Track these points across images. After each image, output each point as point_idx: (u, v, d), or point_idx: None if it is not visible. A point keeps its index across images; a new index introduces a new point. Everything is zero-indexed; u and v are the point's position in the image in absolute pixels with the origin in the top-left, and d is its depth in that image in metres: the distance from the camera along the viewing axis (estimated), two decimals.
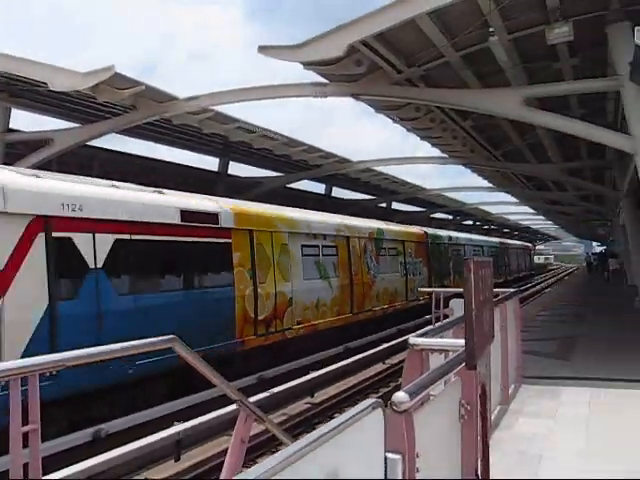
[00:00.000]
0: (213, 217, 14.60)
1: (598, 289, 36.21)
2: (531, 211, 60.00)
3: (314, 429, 12.25)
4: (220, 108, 19.00)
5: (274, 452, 10.69)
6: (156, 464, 9.79)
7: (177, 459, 9.99)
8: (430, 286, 26.49)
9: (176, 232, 13.26)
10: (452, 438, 3.99)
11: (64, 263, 10.57)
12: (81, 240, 10.93)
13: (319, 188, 38.38)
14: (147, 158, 26.13)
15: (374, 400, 2.60)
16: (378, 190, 39.24)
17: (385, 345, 18.93)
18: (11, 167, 11.63)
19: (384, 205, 44.93)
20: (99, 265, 11.19)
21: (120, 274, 11.81)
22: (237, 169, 30.35)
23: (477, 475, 4.25)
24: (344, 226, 21.90)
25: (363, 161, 29.69)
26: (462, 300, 3.97)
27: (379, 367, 17.75)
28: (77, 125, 20.02)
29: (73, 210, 10.77)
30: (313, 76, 15.22)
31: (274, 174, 31.20)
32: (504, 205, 54.06)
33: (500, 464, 5.68)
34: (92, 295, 10.94)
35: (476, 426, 4.22)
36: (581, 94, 17.42)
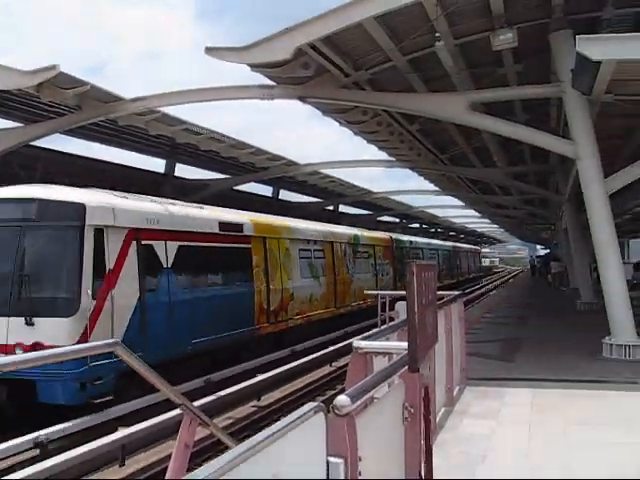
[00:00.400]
0: (239, 227, 18.13)
1: (541, 292, 36.81)
2: (477, 214, 60.74)
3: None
4: (167, 110, 18.80)
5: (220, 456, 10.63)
6: (101, 470, 9.66)
7: (122, 464, 9.86)
8: (395, 284, 32.03)
9: (215, 239, 16.69)
10: (396, 440, 4.00)
11: (148, 264, 13.70)
12: (158, 246, 14.27)
13: (266, 191, 38.32)
14: (93, 159, 25.70)
15: (316, 404, 2.59)
16: (325, 193, 39.33)
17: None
18: (107, 190, 14.71)
19: (331, 208, 45.09)
20: (169, 265, 14.48)
21: (181, 272, 15.11)
22: (184, 171, 30.13)
23: (420, 476, 4.26)
24: (330, 233, 25.98)
25: (310, 164, 29.70)
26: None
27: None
28: (20, 125, 19.58)
29: (153, 224, 14.13)
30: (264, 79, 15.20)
31: (221, 176, 31.01)
32: (450, 208, 54.69)
33: (444, 465, 5.71)
34: (165, 288, 14.26)
35: (420, 428, 4.23)
36: (525, 100, 17.70)
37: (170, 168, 28.77)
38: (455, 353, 8.68)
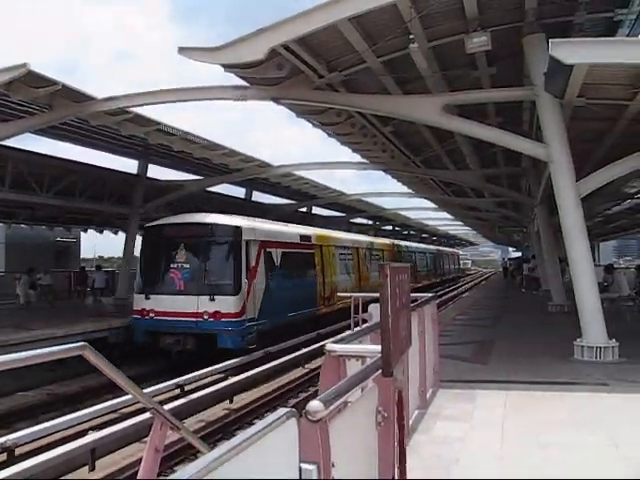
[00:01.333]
0: (309, 238, 27.36)
1: (513, 293, 37.05)
2: (449, 217, 61.03)
3: (233, 436, 12.18)
4: (140, 110, 18.63)
5: (192, 460, 10.55)
6: (71, 474, 9.54)
7: (92, 469, 9.74)
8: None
9: (298, 246, 25.45)
10: (370, 445, 3.96)
11: (269, 263, 21.87)
12: (273, 252, 22.48)
13: (240, 192, 38.23)
14: (64, 159, 25.46)
15: (288, 409, 2.54)
16: (299, 195, 39.30)
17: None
18: (245, 217, 22.84)
19: (305, 210, 45.09)
20: (278, 264, 22.72)
21: (284, 268, 23.21)
22: (157, 172, 29.97)
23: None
24: (355, 240, 36.27)
25: (284, 165, 29.62)
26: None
27: None
28: None
29: (270, 237, 22.52)
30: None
31: (194, 177, 30.87)
32: (423, 211, 54.87)
33: (418, 468, 5.69)
34: (277, 278, 22.23)
35: (393, 432, 4.20)
36: (498, 103, 17.79)
37: (143, 169, 28.59)
38: (428, 355, 8.67)
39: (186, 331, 18.82)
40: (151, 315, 19.65)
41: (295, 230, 26.43)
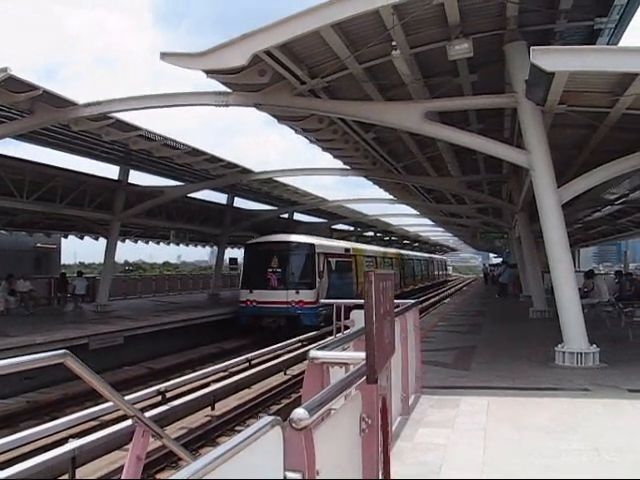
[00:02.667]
0: (349, 250, 37.64)
1: (495, 299, 37.14)
2: (431, 223, 61.21)
3: (215, 442, 12.11)
4: (122, 116, 18.55)
5: (174, 467, 10.49)
6: None
7: (72, 477, 9.65)
8: (401, 281, 50.39)
9: (343, 256, 35.61)
10: (353, 452, 3.94)
11: (328, 268, 31.69)
12: (331, 260, 32.48)
13: (221, 198, 38.18)
14: (44, 165, 25.26)
15: (272, 418, 2.52)
16: (280, 201, 39.33)
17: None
18: (313, 236, 34.66)
19: (286, 216, 45.11)
20: (333, 269, 32.71)
21: (337, 272, 33.20)
22: (138, 177, 29.86)
23: None
24: (375, 250, 48.38)
25: (265, 171, 29.61)
26: (362, 312, 3.93)
27: None
28: None
29: (328, 250, 32.91)
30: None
31: (176, 183, 30.78)
32: (405, 217, 54.97)
33: (401, 475, 5.69)
34: (333, 278, 31.86)
35: (377, 439, 4.19)
36: (480, 110, 17.90)
37: (124, 175, 28.47)
38: (410, 362, 8.67)
39: (279, 314, 28.76)
40: (254, 304, 29.56)
41: (341, 245, 38.71)
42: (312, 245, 31.04)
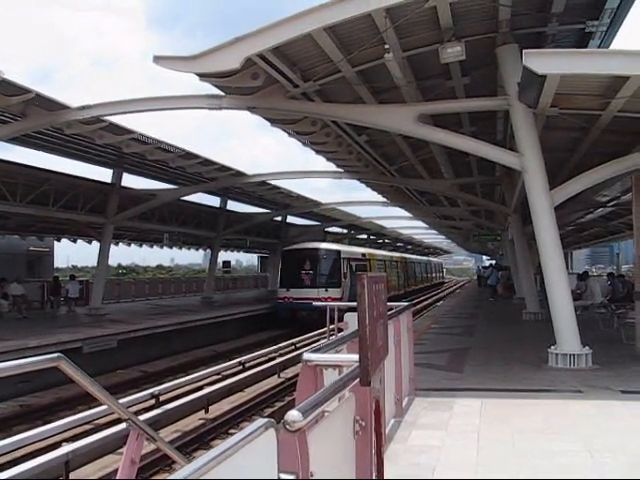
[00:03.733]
0: (365, 255, 45.67)
1: (489, 302, 37.14)
2: (424, 225, 61.26)
3: (209, 446, 12.11)
4: (115, 119, 18.52)
5: (168, 470, 10.49)
6: None
7: None
8: (405, 282, 58.44)
9: (360, 260, 42.64)
10: (347, 454, 3.95)
11: (350, 270, 37.82)
12: (352, 264, 39.20)
13: (214, 201, 38.21)
14: (37, 168, 25.24)
15: (266, 420, 2.52)
16: (274, 204, 39.34)
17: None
18: (339, 244, 44.25)
19: (279, 219, 45.15)
20: (354, 270, 38.04)
21: (356, 273, 34.95)
22: (131, 181, 29.86)
23: None
24: (384, 255, 55.35)
25: (259, 174, 29.61)
26: (356, 314, 3.94)
27: None
28: None
29: (350, 255, 40.20)
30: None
31: (169, 186, 30.76)
32: (398, 219, 55.06)
33: (395, 477, 5.70)
34: (352, 278, 35.72)
35: (371, 441, 4.20)
36: (472, 112, 17.94)
37: (117, 178, 28.43)
38: (404, 364, 8.68)
39: (312, 308, 28.37)
40: (290, 300, 35.50)
41: (359, 250, 46.90)
42: (338, 251, 38.55)
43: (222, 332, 30.58)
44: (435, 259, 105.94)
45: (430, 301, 54.20)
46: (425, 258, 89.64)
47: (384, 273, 45.13)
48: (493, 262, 65.68)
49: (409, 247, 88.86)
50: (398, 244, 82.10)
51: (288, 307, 35.30)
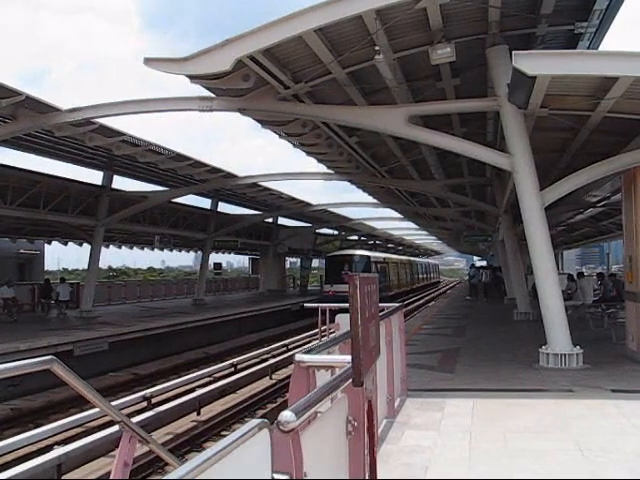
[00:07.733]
0: (384, 258, 58.47)
1: (479, 302, 37.25)
2: (414, 226, 61.33)
3: (202, 447, 12.10)
4: (106, 121, 18.48)
5: (161, 472, 10.47)
6: None
7: None
8: (411, 282, 71.03)
9: (382, 263, 55.00)
10: (340, 454, 3.96)
11: (376, 270, 48.51)
12: (376, 266, 51.10)
13: (205, 203, 38.18)
14: (27, 170, 25.16)
15: (260, 420, 2.53)
16: (265, 205, 39.33)
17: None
18: (368, 250, 59.37)
19: (270, 220, 45.13)
20: (378, 270, 49.04)
21: (379, 272, 46.40)
22: (122, 183, 29.81)
23: None
24: (397, 259, 67.14)
25: (250, 176, 29.58)
26: (347, 315, 3.95)
27: None
28: None
29: (376, 260, 53.01)
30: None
31: (160, 188, 30.70)
32: (389, 220, 55.12)
33: (388, 477, 5.71)
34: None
35: (363, 441, 4.21)
36: (463, 113, 17.98)
37: (107, 180, 28.39)
38: (396, 364, 8.70)
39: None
40: (332, 293, 42.54)
41: (382, 255, 59.24)
42: (369, 257, 50.43)
43: (214, 334, 30.53)
44: (433, 261, 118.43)
45: (422, 302, 55.36)
46: (425, 260, 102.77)
47: (396, 273, 61.29)
48: (484, 263, 65.65)
49: (400, 248, 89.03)
50: (389, 245, 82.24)
51: (332, 299, 37.18)
